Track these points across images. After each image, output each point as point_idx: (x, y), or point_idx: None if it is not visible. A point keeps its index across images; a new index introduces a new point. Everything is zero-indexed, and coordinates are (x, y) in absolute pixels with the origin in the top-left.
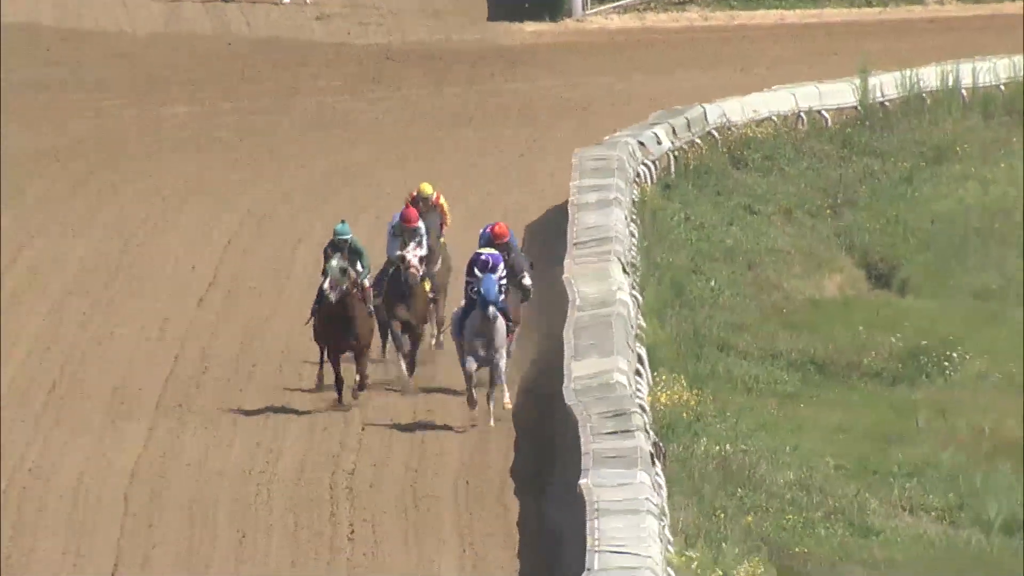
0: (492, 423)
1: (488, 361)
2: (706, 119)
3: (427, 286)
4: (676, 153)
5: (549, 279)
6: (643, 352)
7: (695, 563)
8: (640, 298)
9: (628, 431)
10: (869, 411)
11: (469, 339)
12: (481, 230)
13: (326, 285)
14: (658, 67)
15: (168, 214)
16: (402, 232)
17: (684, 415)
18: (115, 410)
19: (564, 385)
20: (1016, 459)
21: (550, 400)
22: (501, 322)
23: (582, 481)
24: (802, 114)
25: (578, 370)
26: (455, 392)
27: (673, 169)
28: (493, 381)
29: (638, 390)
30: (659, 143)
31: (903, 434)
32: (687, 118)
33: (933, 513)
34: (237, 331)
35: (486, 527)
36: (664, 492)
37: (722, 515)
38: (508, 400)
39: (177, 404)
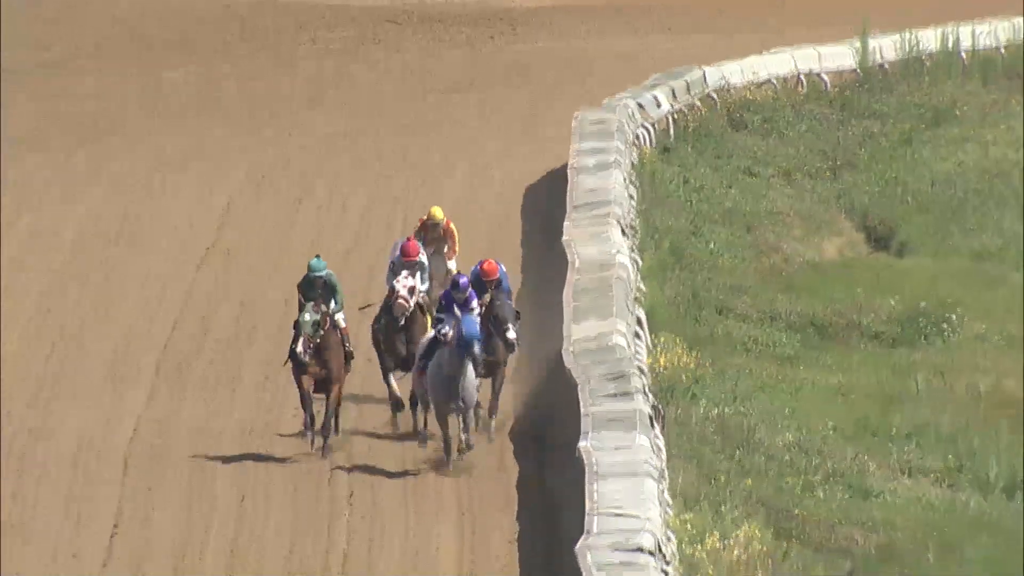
0: (450, 467)
1: (454, 411)
2: (705, 82)
3: (428, 321)
4: (675, 116)
5: (550, 243)
6: (642, 315)
7: (694, 525)
8: (639, 261)
9: (627, 394)
10: (868, 373)
11: (433, 383)
12: (472, 268)
13: (299, 347)
14: (658, 29)
15: (168, 178)
16: (402, 267)
17: (683, 378)
18: (115, 374)
19: (563, 348)
20: (1016, 420)
21: (549, 363)
22: (472, 375)
23: (581, 444)
24: (801, 77)
25: (577, 333)
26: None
27: (672, 132)
28: (464, 428)
29: (637, 353)
30: (658, 106)
31: (902, 396)
32: (686, 81)
33: (932, 475)
34: (237, 294)
35: (485, 491)
36: (663, 455)
37: (721, 477)
38: (469, 438)
39: (177, 367)
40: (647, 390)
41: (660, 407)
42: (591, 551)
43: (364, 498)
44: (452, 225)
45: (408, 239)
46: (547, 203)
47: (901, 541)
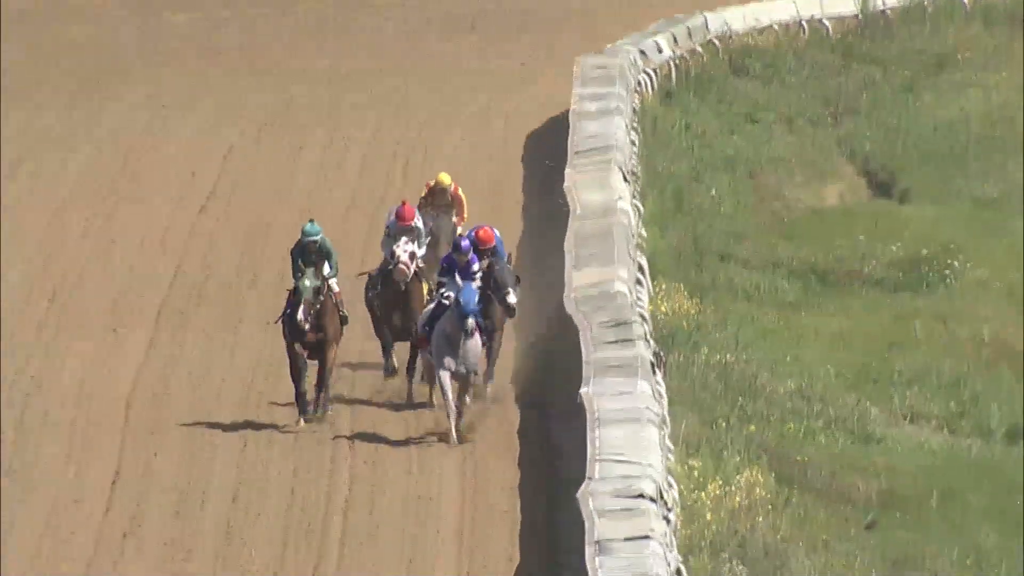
0: (454, 439)
1: (459, 377)
2: (707, 28)
3: (425, 288)
4: (677, 62)
5: (551, 190)
6: (644, 261)
7: (696, 472)
8: (641, 207)
9: (629, 340)
10: (870, 319)
11: (437, 347)
12: (465, 234)
13: (299, 315)
14: None
15: (169, 123)
16: (399, 231)
17: (685, 324)
18: (116, 319)
19: (565, 295)
20: (1017, 367)
21: (551, 310)
22: (476, 340)
23: (583, 390)
24: (803, 23)
25: (579, 280)
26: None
27: (674, 78)
28: (461, 397)
29: (639, 299)
30: (660, 52)
31: (904, 342)
32: (688, 27)
33: (934, 421)
34: (238, 239)
35: (486, 437)
36: (665, 401)
37: (723, 424)
38: (454, 431)
39: (178, 313)
40: (648, 337)
41: (661, 354)
42: (592, 497)
43: (366, 444)
44: (460, 191)
45: (403, 203)
46: (548, 149)
47: (902, 487)
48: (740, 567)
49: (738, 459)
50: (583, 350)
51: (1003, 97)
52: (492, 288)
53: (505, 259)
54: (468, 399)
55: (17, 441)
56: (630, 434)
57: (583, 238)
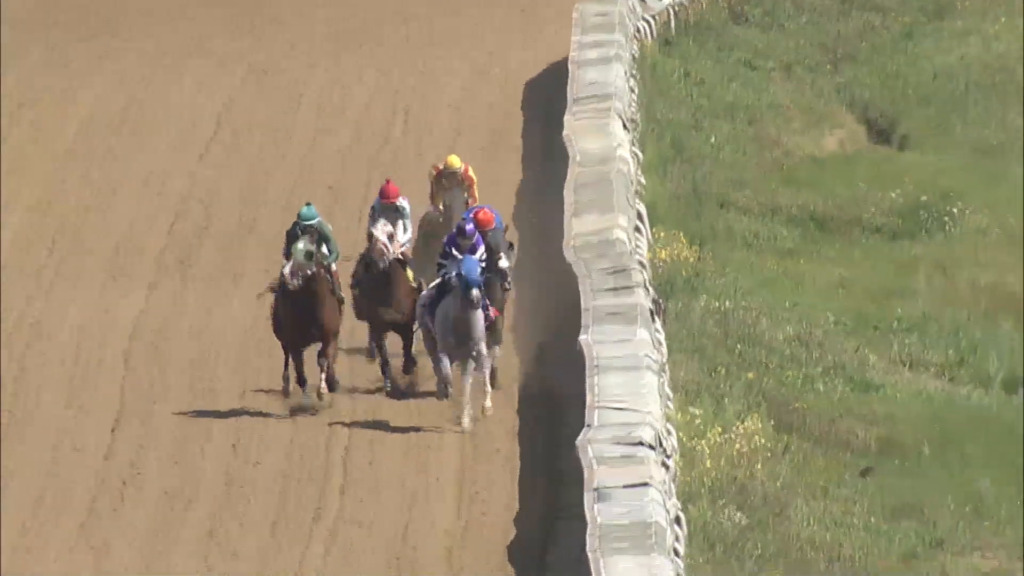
0: (467, 424)
1: (464, 356)
2: None
3: (410, 275)
4: (676, 9)
5: (551, 137)
6: (643, 209)
7: (695, 419)
8: (640, 155)
9: (628, 288)
10: (869, 267)
11: (442, 330)
12: (466, 217)
13: (287, 270)
14: None
15: (169, 71)
16: (382, 210)
17: (684, 272)
18: (116, 267)
19: (564, 242)
20: (1016, 315)
21: (550, 258)
22: (480, 313)
23: (582, 337)
24: None
25: (578, 227)
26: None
27: (673, 25)
28: (467, 373)
29: (638, 247)
30: None
31: (903, 290)
32: None
33: (933, 369)
34: (238, 187)
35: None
36: (664, 349)
37: (722, 371)
38: (489, 404)
39: (178, 260)
40: (648, 284)
41: (661, 301)
42: (592, 445)
43: (367, 394)
44: (471, 172)
45: (387, 181)
46: (548, 97)
47: (901, 434)
48: (739, 514)
49: (737, 406)
50: (582, 297)
51: (1003, 45)
52: (486, 254)
53: (501, 228)
54: (482, 378)
55: (17, 388)
56: (629, 381)
57: (582, 185)
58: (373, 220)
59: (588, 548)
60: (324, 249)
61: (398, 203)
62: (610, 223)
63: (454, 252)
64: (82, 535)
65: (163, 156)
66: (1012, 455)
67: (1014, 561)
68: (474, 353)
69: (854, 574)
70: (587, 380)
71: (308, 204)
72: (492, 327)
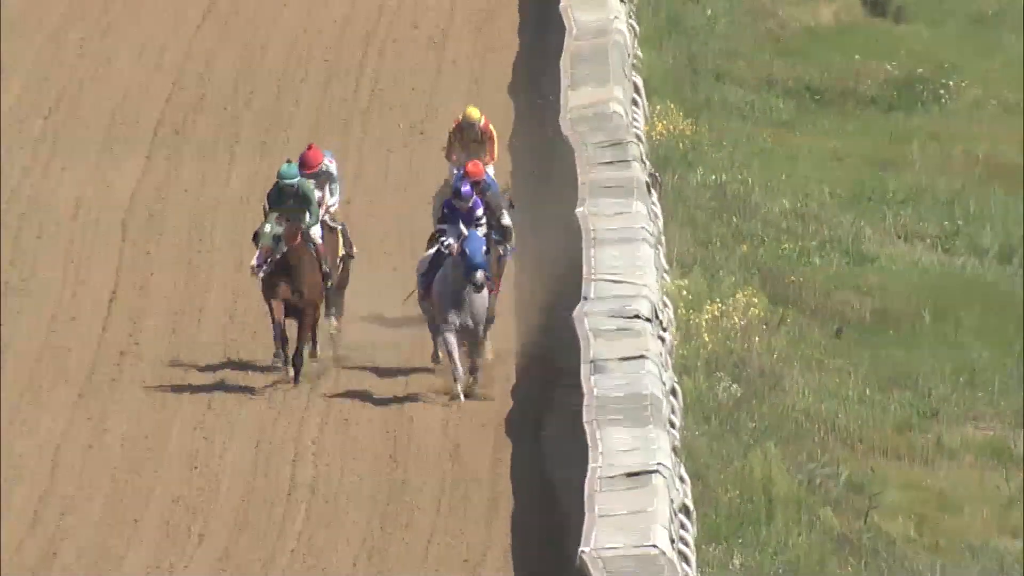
0: (461, 396)
1: (467, 334)
2: None
3: (340, 241)
4: None
5: (547, 7)
6: (639, 81)
7: (691, 292)
8: (636, 27)
9: (625, 161)
10: (864, 138)
11: (441, 303)
12: (458, 176)
13: (254, 261)
14: None
15: None
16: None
17: (680, 145)
18: (112, 137)
19: (560, 115)
20: (1010, 185)
21: (546, 130)
22: (484, 293)
23: (579, 210)
24: None
25: (574, 100)
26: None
27: None
28: (471, 355)
29: (634, 120)
30: None
31: (898, 161)
32: None
33: (928, 240)
34: (235, 57)
35: None
36: (660, 221)
37: (718, 244)
38: (490, 353)
39: (174, 131)
40: (644, 157)
41: (657, 174)
42: (588, 317)
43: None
44: (492, 126)
45: (309, 146)
46: None
47: (896, 306)
48: (734, 386)
49: (733, 279)
50: (579, 170)
51: None
52: (485, 214)
53: (498, 189)
54: (481, 357)
55: (15, 258)
56: (626, 253)
57: (579, 58)
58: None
59: (585, 419)
60: (307, 215)
61: (322, 167)
62: (606, 96)
63: (459, 223)
64: (80, 405)
65: (159, 28)
66: (1007, 325)
67: (1008, 430)
68: (473, 329)
69: (849, 445)
70: (584, 252)
71: (289, 161)
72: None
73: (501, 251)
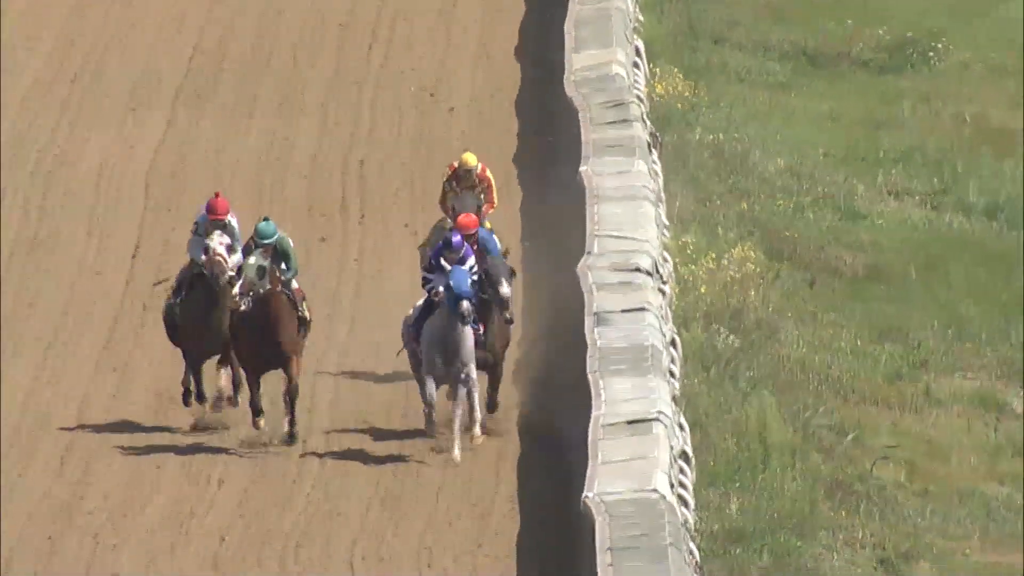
0: (457, 455)
1: (453, 378)
2: None
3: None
4: None
5: None
6: (641, 45)
7: (690, 247)
8: None
9: (627, 121)
10: (857, 100)
11: (428, 350)
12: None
13: (236, 289)
14: None
15: None
16: (209, 227)
17: (680, 106)
18: (135, 100)
19: (564, 77)
20: (997, 145)
21: (551, 91)
22: (469, 331)
23: (582, 168)
24: None
25: (578, 62)
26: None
27: None
28: (457, 399)
29: (636, 82)
30: None
31: (890, 122)
32: None
33: (917, 197)
34: (253, 23)
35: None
36: (660, 179)
37: (716, 200)
38: (479, 432)
39: (195, 93)
40: (645, 117)
41: (658, 134)
42: (591, 271)
43: (374, 222)
44: (488, 172)
45: (216, 195)
46: None
47: (887, 261)
48: (732, 337)
49: (730, 235)
50: (582, 130)
51: None
52: (485, 279)
53: (499, 253)
54: (473, 411)
55: (41, 215)
56: (627, 210)
57: (582, 21)
58: (198, 238)
59: (588, 370)
60: (285, 269)
61: (227, 219)
62: (609, 58)
63: (442, 264)
64: (104, 356)
65: None
66: (992, 279)
67: (994, 380)
68: (463, 376)
69: (842, 394)
70: (587, 209)
71: (266, 219)
72: (494, 367)
73: (508, 316)
